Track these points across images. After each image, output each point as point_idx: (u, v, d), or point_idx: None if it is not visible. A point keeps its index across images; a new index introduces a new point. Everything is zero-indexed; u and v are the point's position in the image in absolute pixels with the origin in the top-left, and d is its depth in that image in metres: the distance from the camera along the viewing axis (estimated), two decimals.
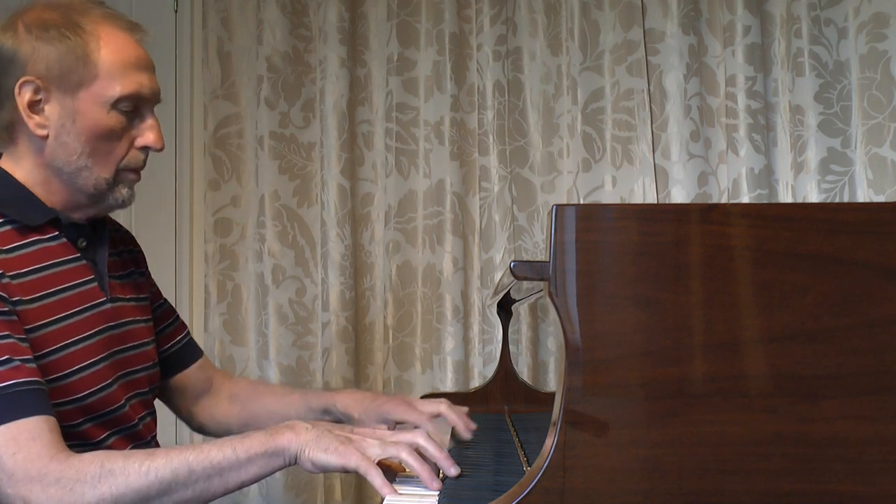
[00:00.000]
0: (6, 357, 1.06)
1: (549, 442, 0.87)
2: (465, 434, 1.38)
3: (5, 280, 1.11)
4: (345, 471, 1.10)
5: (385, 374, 2.26)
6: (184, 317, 2.34)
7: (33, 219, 1.19)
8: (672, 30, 2.16)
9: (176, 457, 1.06)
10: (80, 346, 1.18)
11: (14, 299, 1.11)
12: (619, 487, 0.86)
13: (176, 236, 2.36)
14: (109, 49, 1.19)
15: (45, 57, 1.16)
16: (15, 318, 1.11)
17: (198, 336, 2.34)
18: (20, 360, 1.08)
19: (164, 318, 1.46)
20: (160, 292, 1.48)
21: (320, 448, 1.09)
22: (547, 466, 0.86)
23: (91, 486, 1.03)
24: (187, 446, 1.10)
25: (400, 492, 1.07)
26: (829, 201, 2.05)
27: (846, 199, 2.06)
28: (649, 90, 2.18)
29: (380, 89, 2.31)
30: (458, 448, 1.39)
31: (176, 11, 2.43)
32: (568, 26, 2.22)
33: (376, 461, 1.09)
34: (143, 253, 1.45)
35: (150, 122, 1.24)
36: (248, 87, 2.34)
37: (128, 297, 1.32)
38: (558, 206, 0.89)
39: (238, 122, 2.34)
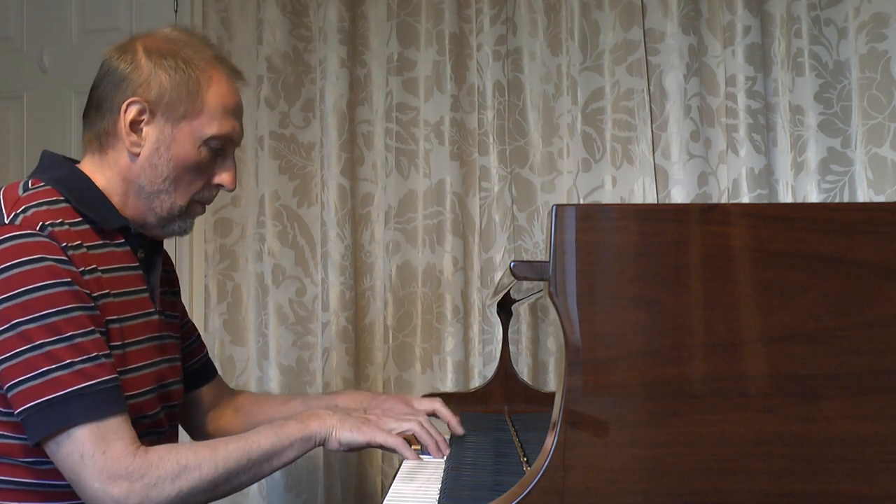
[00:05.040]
0: (94, 354, 1.15)
1: (549, 442, 0.87)
2: (458, 430, 1.50)
3: (87, 276, 1.19)
4: (368, 447, 1.28)
5: (385, 374, 2.26)
6: None
7: (108, 223, 1.26)
8: (672, 30, 2.16)
9: (235, 448, 1.20)
10: (133, 349, 1.25)
11: (95, 294, 1.19)
12: (619, 487, 0.86)
13: (176, 236, 2.36)
14: (215, 91, 1.29)
15: (160, 83, 1.26)
16: (98, 313, 1.19)
17: None
18: (104, 356, 1.16)
19: (188, 335, 1.53)
20: (186, 311, 1.56)
21: (345, 429, 1.26)
22: (547, 466, 0.86)
23: (171, 482, 1.15)
24: (239, 437, 1.23)
25: (423, 458, 1.30)
26: (829, 201, 2.05)
27: (846, 199, 2.06)
28: (649, 90, 2.17)
29: (380, 89, 2.31)
30: (456, 447, 1.39)
31: (176, 11, 2.43)
32: (568, 26, 2.22)
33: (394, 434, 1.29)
34: (176, 273, 1.53)
35: (229, 164, 1.34)
36: (248, 87, 2.34)
37: (167, 312, 1.40)
38: (558, 206, 0.89)
39: None
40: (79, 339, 1.14)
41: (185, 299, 2.36)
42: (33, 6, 2.61)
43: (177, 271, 2.36)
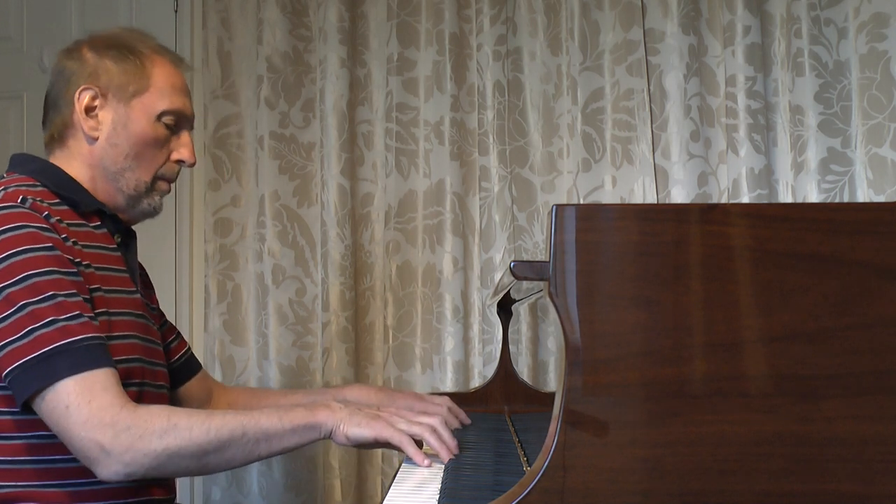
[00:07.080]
0: (77, 313, 1.17)
1: (549, 442, 0.87)
2: (467, 420, 1.56)
3: (70, 244, 1.23)
4: (376, 442, 1.23)
5: (385, 374, 2.26)
6: (184, 317, 2.36)
7: (84, 205, 1.31)
8: (672, 30, 2.16)
9: (232, 419, 1.18)
10: (116, 318, 1.27)
11: (78, 261, 1.23)
12: (619, 487, 0.86)
13: (176, 236, 2.36)
14: (161, 70, 1.36)
15: (107, 69, 1.33)
16: (81, 279, 1.22)
17: (198, 336, 2.34)
18: (88, 316, 1.18)
19: (168, 334, 1.54)
20: (163, 313, 1.58)
21: (353, 423, 1.22)
22: (547, 466, 0.86)
23: (158, 437, 1.13)
24: (240, 412, 1.21)
25: (432, 464, 1.22)
26: (829, 201, 2.05)
27: (846, 199, 2.06)
28: (649, 90, 2.18)
29: (380, 89, 2.31)
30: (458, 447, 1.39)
31: (176, 11, 2.43)
32: (568, 26, 2.22)
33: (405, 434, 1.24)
34: (149, 276, 1.56)
35: (185, 139, 1.39)
36: (248, 87, 2.34)
37: (146, 302, 1.41)
38: (558, 206, 0.89)
39: (238, 122, 2.34)
40: (60, 299, 1.16)
41: (185, 299, 2.36)
42: (33, 6, 2.61)
43: (177, 271, 2.38)
